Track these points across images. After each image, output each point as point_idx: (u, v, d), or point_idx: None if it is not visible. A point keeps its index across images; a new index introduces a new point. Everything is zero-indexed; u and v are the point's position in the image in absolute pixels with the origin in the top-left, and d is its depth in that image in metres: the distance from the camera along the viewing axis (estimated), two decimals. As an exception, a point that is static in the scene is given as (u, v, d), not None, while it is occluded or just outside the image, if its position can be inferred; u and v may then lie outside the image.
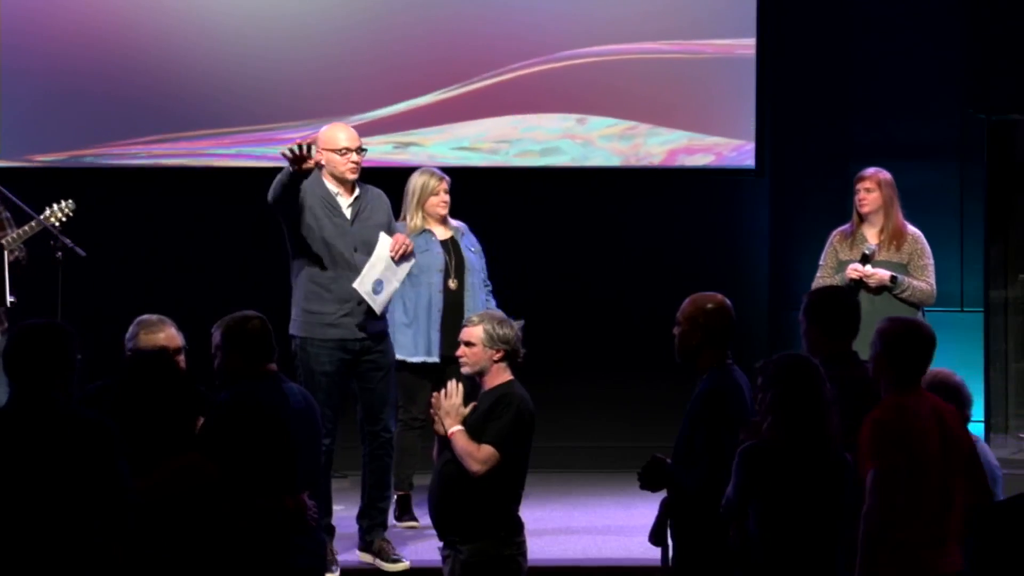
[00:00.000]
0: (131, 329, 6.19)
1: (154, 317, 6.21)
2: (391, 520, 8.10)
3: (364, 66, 10.11)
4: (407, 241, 7.54)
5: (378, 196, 7.70)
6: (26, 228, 8.39)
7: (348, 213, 7.55)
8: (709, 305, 6.03)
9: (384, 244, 7.45)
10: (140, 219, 10.21)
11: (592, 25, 10.22)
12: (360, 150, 7.58)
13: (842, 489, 5.39)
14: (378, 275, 7.43)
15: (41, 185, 9.67)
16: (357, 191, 7.60)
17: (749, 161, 10.28)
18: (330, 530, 7.36)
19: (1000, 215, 10.18)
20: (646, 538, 6.03)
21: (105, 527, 4.89)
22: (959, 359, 8.38)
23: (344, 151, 7.53)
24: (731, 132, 10.27)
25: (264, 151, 10.00)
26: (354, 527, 7.70)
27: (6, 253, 8.32)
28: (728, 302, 6.08)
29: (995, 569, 5.33)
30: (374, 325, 7.55)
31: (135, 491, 4.95)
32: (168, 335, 6.12)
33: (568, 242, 10.38)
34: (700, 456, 5.82)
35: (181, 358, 6.06)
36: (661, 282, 9.78)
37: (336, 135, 7.60)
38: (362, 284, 7.39)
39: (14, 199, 8.53)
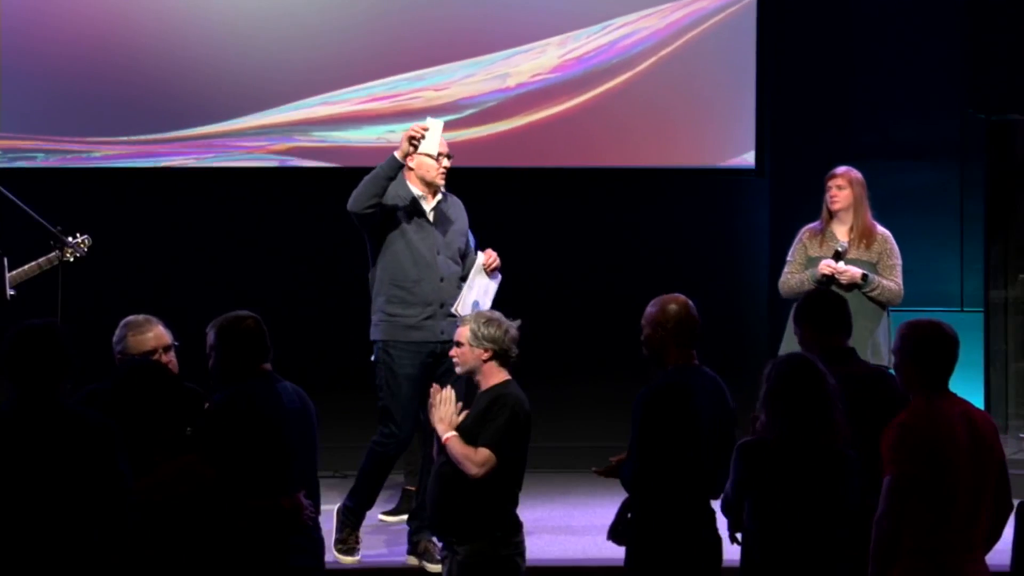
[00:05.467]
0: (118, 332, 6.09)
1: (140, 317, 6.12)
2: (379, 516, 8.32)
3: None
4: (496, 256, 7.61)
5: (456, 202, 7.75)
6: (39, 263, 8.24)
7: (431, 216, 7.57)
8: (672, 307, 6.08)
9: (479, 263, 7.54)
10: (139, 219, 10.21)
11: (588, 16, 10.23)
12: (449, 156, 7.60)
13: (843, 485, 5.36)
14: (475, 296, 7.50)
15: (39, 185, 9.68)
16: (439, 195, 7.62)
17: (749, 161, 10.28)
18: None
19: (1000, 215, 10.18)
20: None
21: (106, 527, 4.90)
22: (959, 359, 8.36)
23: (439, 156, 7.53)
24: (731, 132, 10.27)
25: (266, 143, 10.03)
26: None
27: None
28: (691, 302, 6.12)
29: None
30: (454, 329, 7.54)
31: (136, 492, 4.96)
32: (156, 334, 6.05)
33: (567, 242, 10.38)
34: (630, 452, 5.86)
35: (172, 355, 6.05)
36: (661, 282, 9.67)
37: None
38: (463, 307, 7.44)
39: (15, 200, 8.50)
